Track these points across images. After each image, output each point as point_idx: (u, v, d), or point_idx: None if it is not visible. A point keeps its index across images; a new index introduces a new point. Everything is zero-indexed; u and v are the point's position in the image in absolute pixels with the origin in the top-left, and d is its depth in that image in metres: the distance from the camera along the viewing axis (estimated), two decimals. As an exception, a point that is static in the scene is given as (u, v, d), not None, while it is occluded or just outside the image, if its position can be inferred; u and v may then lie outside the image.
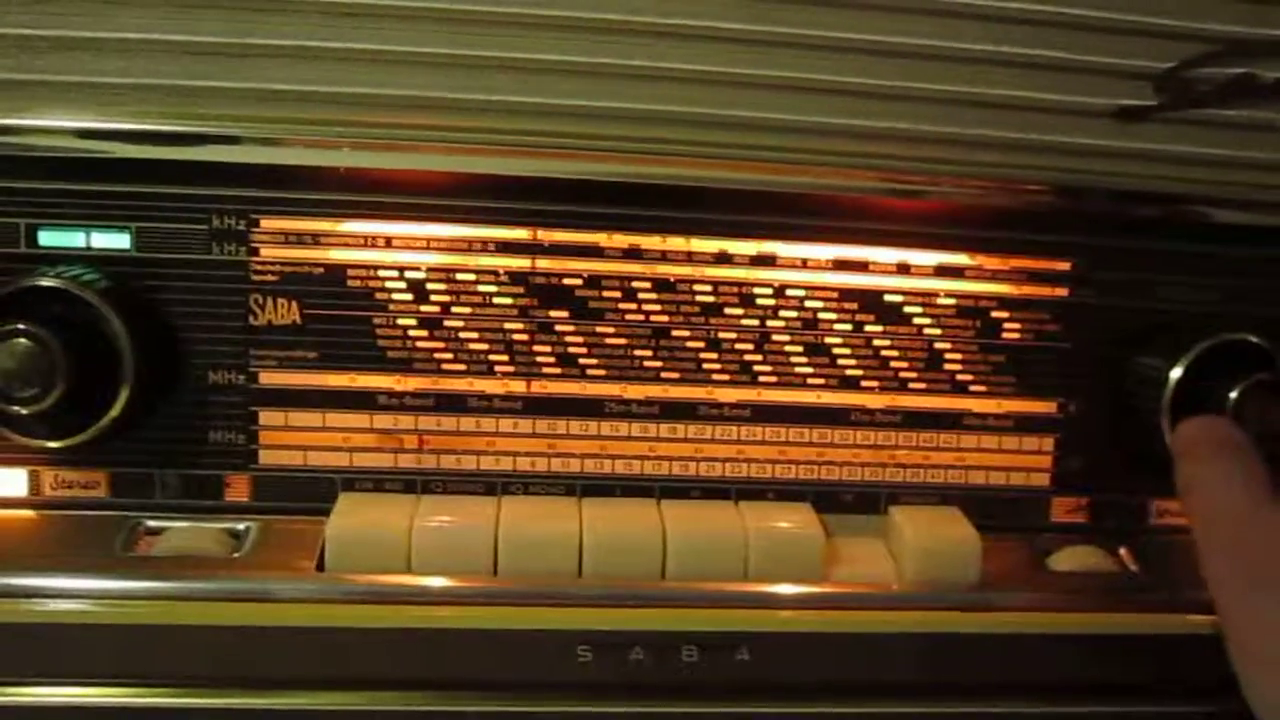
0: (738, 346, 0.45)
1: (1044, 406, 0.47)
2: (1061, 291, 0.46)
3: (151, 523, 0.43)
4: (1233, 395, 0.43)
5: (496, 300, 0.43)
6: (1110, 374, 0.46)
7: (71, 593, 0.39)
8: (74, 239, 0.42)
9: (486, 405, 0.44)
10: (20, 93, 0.39)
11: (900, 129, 0.42)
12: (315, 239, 0.42)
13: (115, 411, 0.40)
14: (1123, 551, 0.47)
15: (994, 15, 0.42)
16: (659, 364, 0.45)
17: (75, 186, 0.42)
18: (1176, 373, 0.44)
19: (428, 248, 0.43)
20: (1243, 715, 0.43)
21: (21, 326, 0.38)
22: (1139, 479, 0.47)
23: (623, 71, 0.41)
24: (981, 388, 0.46)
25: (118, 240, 0.42)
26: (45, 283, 0.39)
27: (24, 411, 0.38)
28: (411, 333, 0.43)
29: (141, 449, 0.43)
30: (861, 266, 0.45)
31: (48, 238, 0.42)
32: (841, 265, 0.45)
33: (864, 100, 0.42)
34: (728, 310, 0.44)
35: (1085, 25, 0.42)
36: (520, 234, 0.43)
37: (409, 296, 0.43)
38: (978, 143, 0.43)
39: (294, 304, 0.43)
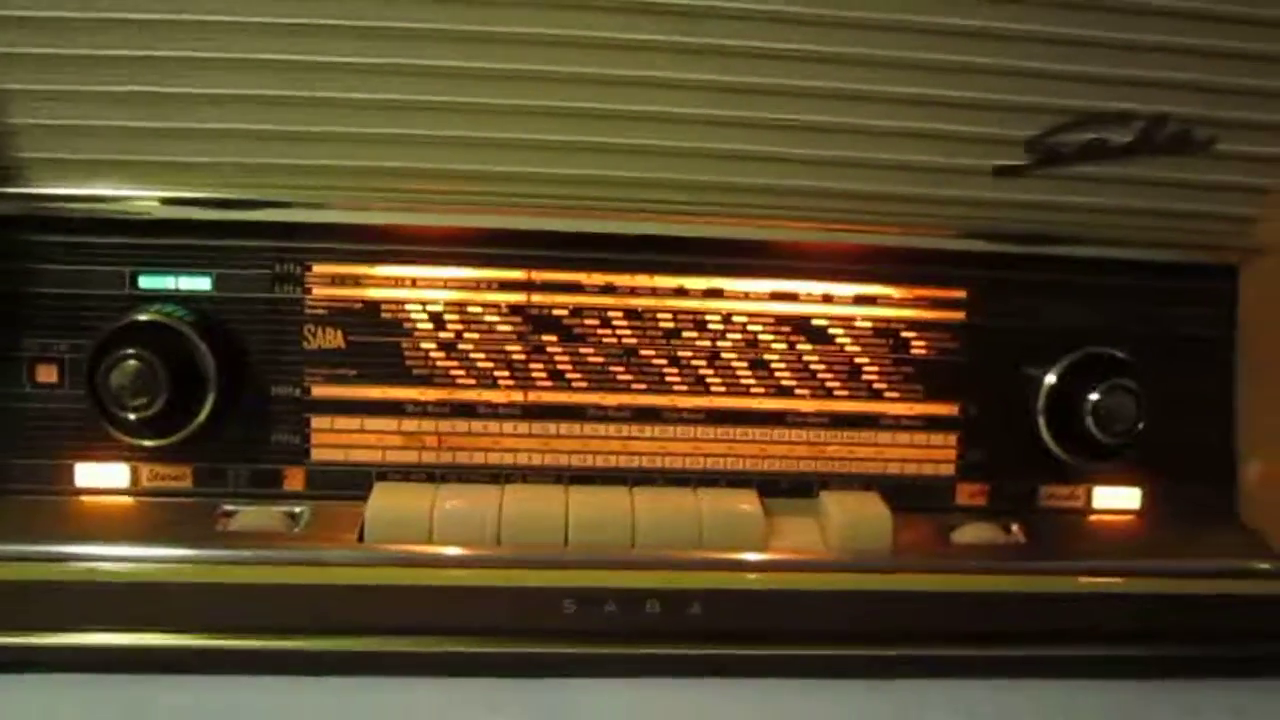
0: (694, 363, 0.53)
1: (947, 409, 0.54)
2: (959, 315, 0.54)
3: (227, 506, 0.51)
4: (1093, 397, 0.52)
5: (499, 328, 0.52)
6: (1001, 381, 0.54)
7: (168, 559, 0.48)
8: (166, 282, 0.51)
9: (492, 412, 0.53)
10: (121, 170, 0.49)
11: (823, 187, 0.51)
12: (356, 280, 0.52)
13: (202, 417, 0.49)
14: (1015, 527, 0.54)
15: (897, 98, 0.50)
16: (630, 377, 0.53)
17: (167, 241, 0.51)
18: (1051, 379, 0.53)
19: (445, 286, 0.52)
20: (1101, 660, 0.51)
21: (131, 351, 0.48)
22: (1029, 468, 0.55)
23: (598, 147, 0.49)
24: (895, 394, 0.54)
25: (200, 283, 0.51)
26: (146, 318, 0.49)
27: (134, 418, 0.48)
28: (432, 354, 0.52)
29: (218, 447, 0.51)
30: (793, 297, 0.53)
31: (145, 281, 0.51)
32: (777, 296, 0.53)
33: (793, 165, 0.50)
34: (685, 334, 0.53)
35: (969, 104, 0.50)
36: (518, 275, 0.52)
37: (430, 325, 0.52)
38: (886, 197, 0.51)
39: (339, 332, 0.52)
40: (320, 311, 0.52)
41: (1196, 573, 0.53)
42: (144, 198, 0.50)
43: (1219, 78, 0.50)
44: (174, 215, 0.50)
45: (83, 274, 0.51)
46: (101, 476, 0.52)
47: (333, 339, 0.52)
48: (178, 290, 0.51)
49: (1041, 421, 0.53)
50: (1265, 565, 0.53)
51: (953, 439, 0.55)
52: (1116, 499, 0.56)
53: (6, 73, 0.47)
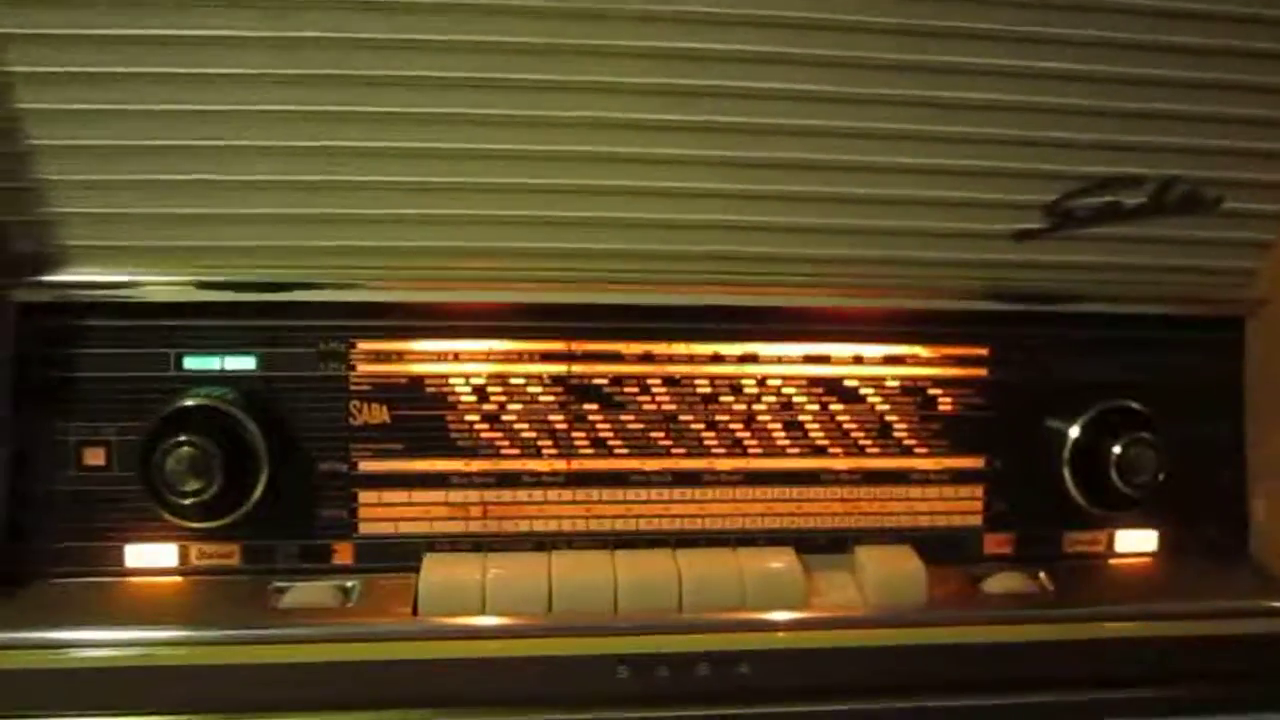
0: (731, 426, 0.55)
1: (973, 462, 0.56)
2: (983, 372, 0.56)
3: (278, 583, 0.52)
4: (1116, 450, 0.54)
5: (541, 398, 0.53)
6: (1025, 435, 0.56)
7: (223, 639, 0.48)
8: (211, 363, 0.52)
9: (536, 480, 0.54)
10: (158, 256, 0.50)
11: (852, 255, 0.53)
12: (399, 356, 0.53)
13: (255, 498, 0.50)
14: (1042, 575, 0.56)
15: (922, 169, 0.51)
16: (670, 443, 0.54)
17: (210, 322, 0.52)
18: (1074, 432, 0.55)
19: (487, 359, 0.53)
20: (1135, 702, 0.54)
21: (184, 438, 0.48)
22: (1053, 517, 0.57)
23: (631, 223, 0.51)
24: (923, 449, 0.56)
25: (245, 362, 0.52)
26: (195, 402, 0.50)
27: (190, 503, 0.48)
28: (476, 426, 0.53)
29: (267, 524, 0.52)
30: (825, 359, 0.55)
31: (191, 363, 0.52)
32: (809, 359, 0.55)
33: (823, 235, 0.52)
34: (722, 398, 0.54)
35: (990, 172, 0.51)
36: (558, 346, 0.53)
37: (473, 398, 0.53)
38: (912, 262, 0.53)
39: (384, 407, 0.53)
40: (365, 388, 0.53)
41: (1215, 614, 0.55)
42: (180, 283, 0.51)
43: (1224, 141, 0.53)
44: (213, 298, 0.51)
45: (127, 357, 0.52)
46: (151, 556, 0.52)
47: (378, 414, 0.53)
48: (223, 371, 0.52)
49: (1067, 473, 0.55)
50: (1276, 604, 0.56)
51: (979, 491, 0.57)
52: (1135, 542, 0.58)
53: (44, 163, 0.48)
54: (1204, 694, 0.55)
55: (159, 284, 0.51)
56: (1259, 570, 0.58)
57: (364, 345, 0.53)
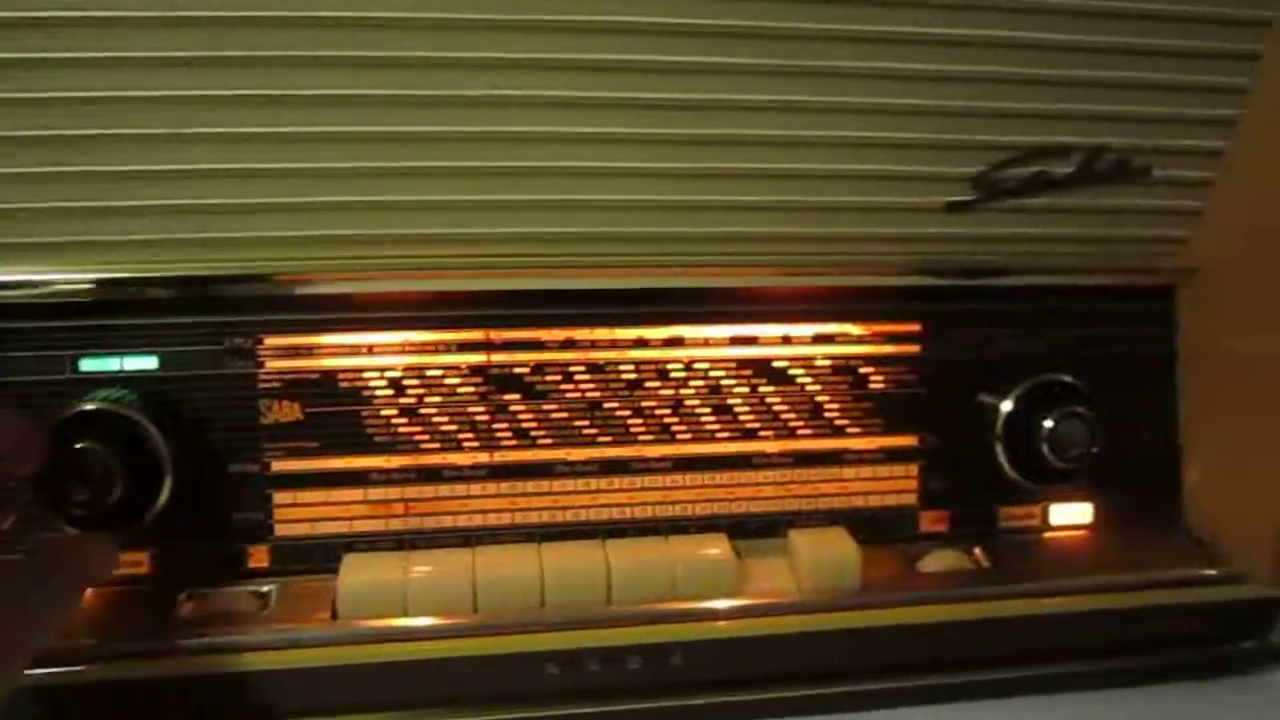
0: (658, 412, 0.53)
1: (907, 440, 0.56)
2: (915, 348, 0.55)
3: (191, 590, 0.50)
4: (1047, 424, 0.53)
5: (460, 390, 0.52)
6: (959, 411, 0.56)
7: (131, 653, 0.46)
8: (109, 364, 0.49)
9: (458, 474, 0.52)
10: (53, 253, 0.47)
11: (777, 232, 0.51)
12: (310, 351, 0.51)
13: (160, 504, 0.48)
14: (978, 551, 0.55)
15: (846, 142, 0.50)
16: (595, 431, 0.53)
17: (109, 322, 0.49)
18: (1007, 407, 0.54)
19: (402, 351, 0.51)
20: (1069, 676, 0.54)
21: (80, 445, 0.46)
22: (989, 492, 0.56)
23: (547, 205, 0.49)
24: (856, 429, 0.55)
25: (146, 362, 0.50)
26: (91, 406, 0.47)
27: (89, 513, 0.46)
28: (393, 421, 0.51)
29: (177, 530, 0.50)
30: (753, 340, 0.54)
31: (87, 364, 0.49)
32: (736, 341, 0.54)
33: (746, 212, 0.51)
34: (647, 384, 0.53)
35: (918, 144, 0.50)
36: (476, 335, 0.52)
37: (390, 391, 0.51)
38: (840, 238, 0.52)
39: (296, 405, 0.51)
40: (275, 385, 0.51)
41: (1150, 584, 0.55)
42: (74, 280, 0.48)
43: (1152, 108, 0.52)
44: (110, 296, 0.49)
45: (19, 360, 0.49)
46: (54, 569, 0.50)
47: (290, 412, 0.51)
48: (123, 372, 0.50)
49: (999, 448, 0.54)
50: (1212, 572, 0.56)
51: (914, 469, 0.56)
52: (1071, 515, 0.58)
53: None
54: (1142, 664, 0.55)
55: (51, 282, 0.48)
56: (1193, 539, 0.58)
57: (272, 341, 0.51)
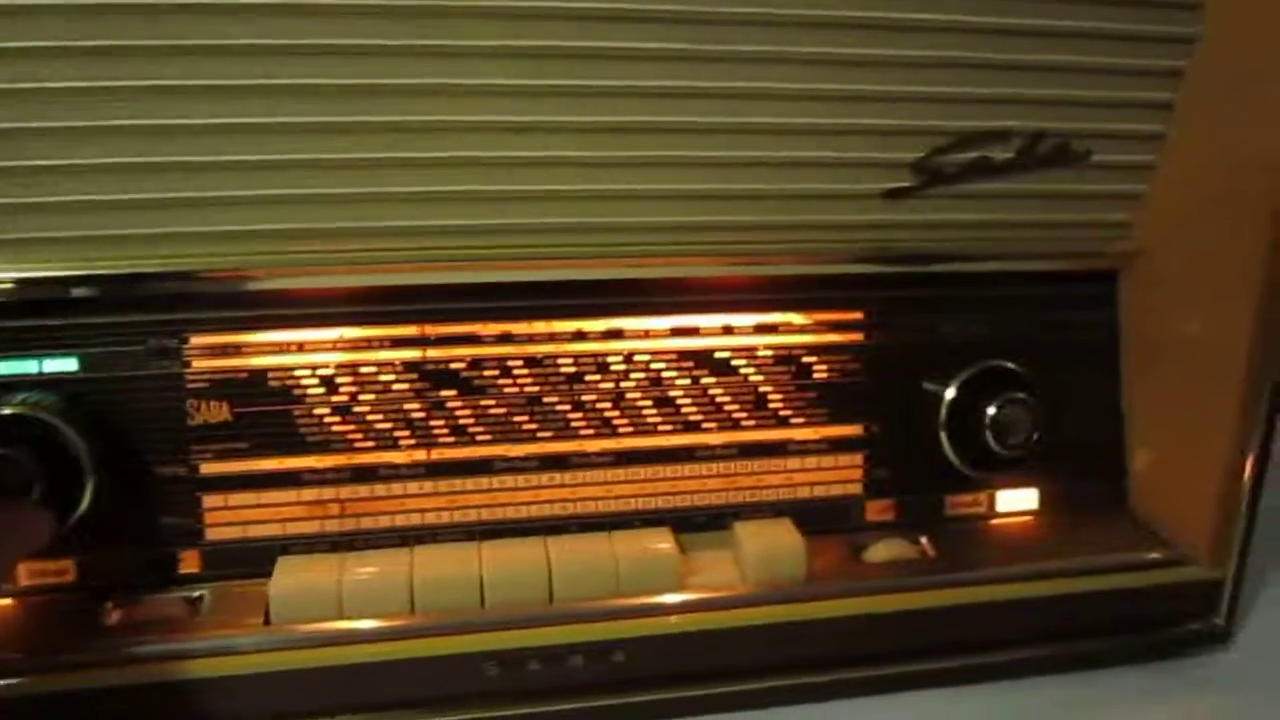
0: (598, 406, 0.52)
1: (852, 430, 0.55)
2: (858, 337, 0.55)
3: (119, 597, 0.48)
4: (990, 411, 0.53)
5: (395, 386, 0.51)
6: (902, 399, 0.55)
7: (57, 665, 0.45)
8: (27, 366, 0.48)
9: (394, 473, 0.51)
10: None
11: (717, 220, 0.50)
12: (238, 349, 0.49)
13: (82, 510, 0.46)
14: (924, 540, 0.55)
15: (783, 129, 0.49)
16: (535, 426, 0.52)
17: (26, 322, 0.47)
18: (950, 393, 0.54)
19: (334, 348, 0.50)
20: (1018, 664, 0.54)
21: None
22: (934, 480, 0.56)
23: (482, 196, 0.48)
24: (800, 419, 0.54)
25: (66, 364, 0.48)
26: (7, 411, 0.46)
27: (6, 521, 0.45)
28: (326, 419, 0.50)
29: (103, 536, 0.48)
30: (694, 331, 0.53)
31: (4, 367, 0.47)
32: (677, 332, 0.53)
33: (683, 201, 0.49)
34: (587, 377, 0.52)
35: (855, 130, 0.49)
36: (410, 330, 0.51)
37: (322, 390, 0.50)
38: (781, 226, 0.51)
39: (225, 405, 0.49)
40: (202, 384, 0.49)
41: (1096, 569, 0.55)
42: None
43: (1091, 92, 0.51)
44: (26, 295, 0.47)
45: (-69, 364, 0.47)
46: (-26, 579, 0.48)
47: (219, 412, 0.49)
48: (41, 374, 0.48)
49: (943, 436, 0.54)
50: (1156, 555, 0.56)
51: (859, 459, 0.56)
52: (1016, 501, 0.58)
53: None
54: (1089, 649, 0.55)
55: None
56: (1138, 523, 0.58)
57: (198, 339, 0.49)
